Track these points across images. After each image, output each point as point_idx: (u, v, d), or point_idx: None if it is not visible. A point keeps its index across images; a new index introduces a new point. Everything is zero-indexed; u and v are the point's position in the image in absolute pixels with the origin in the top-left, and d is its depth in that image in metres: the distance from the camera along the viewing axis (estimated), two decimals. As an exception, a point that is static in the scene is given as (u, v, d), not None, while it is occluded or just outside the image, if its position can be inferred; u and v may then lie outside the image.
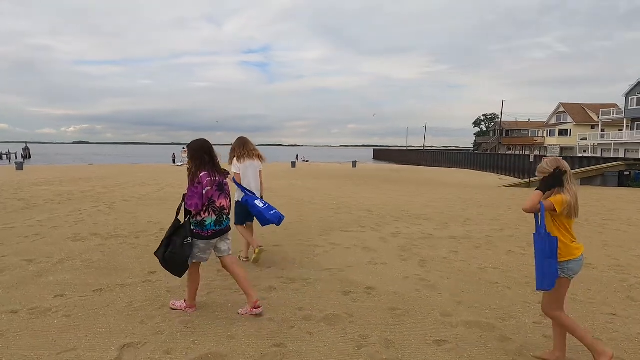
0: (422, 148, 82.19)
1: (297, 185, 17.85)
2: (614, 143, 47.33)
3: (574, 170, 21.40)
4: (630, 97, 46.89)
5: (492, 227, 8.43)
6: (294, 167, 39.64)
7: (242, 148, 5.98)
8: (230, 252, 4.03)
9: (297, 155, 58.34)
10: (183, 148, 43.35)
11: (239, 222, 5.87)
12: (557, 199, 2.90)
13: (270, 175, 25.46)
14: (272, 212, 5.48)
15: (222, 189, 3.87)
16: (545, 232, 2.93)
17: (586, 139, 51.35)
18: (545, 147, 56.42)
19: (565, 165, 3.01)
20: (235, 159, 5.88)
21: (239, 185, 5.77)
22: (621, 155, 44.14)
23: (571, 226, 3.00)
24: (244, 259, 5.81)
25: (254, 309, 3.84)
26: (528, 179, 21.88)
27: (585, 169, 22.03)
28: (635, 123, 46.89)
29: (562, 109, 58.97)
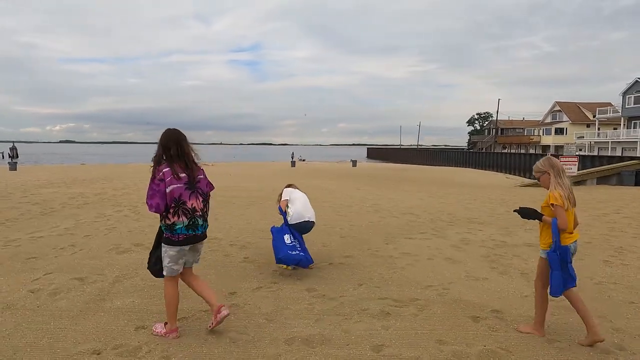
0: (417, 147, 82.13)
1: (312, 186, 17.15)
2: (611, 141, 47.56)
3: (590, 170, 20.79)
4: (627, 96, 47.18)
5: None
6: (294, 166, 38.85)
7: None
8: (197, 263, 3.56)
9: (293, 154, 57.53)
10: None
11: None
12: (554, 195, 3.24)
13: (275, 174, 24.77)
14: (292, 252, 4.87)
15: (193, 187, 3.26)
16: (561, 245, 3.25)
17: (583, 137, 51.54)
18: (546, 146, 56.62)
19: (557, 162, 3.40)
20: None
21: (282, 212, 5.32)
22: (618, 154, 44.37)
23: (571, 217, 3.31)
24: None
25: (218, 315, 3.33)
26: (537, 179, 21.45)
27: (601, 167, 21.74)
28: (633, 121, 47.21)
29: (557, 108, 59.22)
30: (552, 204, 3.24)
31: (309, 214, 5.33)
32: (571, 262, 3.27)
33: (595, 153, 46.85)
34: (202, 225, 3.33)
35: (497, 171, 40.65)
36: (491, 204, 12.19)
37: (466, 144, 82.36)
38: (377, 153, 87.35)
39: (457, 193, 15.46)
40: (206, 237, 3.47)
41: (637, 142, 44.71)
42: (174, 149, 3.23)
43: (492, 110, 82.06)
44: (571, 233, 3.31)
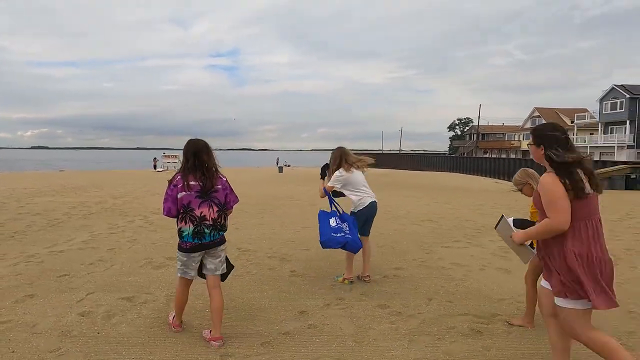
0: (399, 152, 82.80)
1: (312, 193, 16.88)
2: (589, 146, 48.96)
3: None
4: (604, 102, 48.71)
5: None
6: (282, 172, 38.45)
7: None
8: (217, 273, 3.49)
9: (278, 160, 57.06)
10: (163, 153, 41.41)
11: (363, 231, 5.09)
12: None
13: (265, 180, 24.41)
14: (337, 235, 4.65)
15: (207, 196, 3.32)
16: None
17: (562, 142, 52.88)
18: (526, 151, 57.78)
19: (532, 171, 3.69)
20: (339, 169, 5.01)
21: (328, 195, 4.99)
22: (596, 158, 45.72)
23: None
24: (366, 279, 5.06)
25: (213, 341, 3.37)
26: (538, 183, 21.75)
27: (591, 172, 22.18)
28: (609, 127, 48.75)
29: (537, 114, 60.72)
30: (533, 212, 3.55)
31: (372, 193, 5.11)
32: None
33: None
34: (209, 234, 3.34)
35: (481, 176, 41.19)
36: (501, 209, 12.18)
37: (447, 149, 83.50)
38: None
39: (459, 198, 15.44)
40: (220, 244, 3.45)
41: (614, 147, 46.22)
42: (191, 160, 3.34)
43: (471, 116, 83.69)
44: None
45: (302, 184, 21.13)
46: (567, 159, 2.51)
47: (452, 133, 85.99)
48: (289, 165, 54.48)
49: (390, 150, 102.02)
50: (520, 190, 3.75)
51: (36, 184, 18.59)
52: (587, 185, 2.52)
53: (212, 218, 3.34)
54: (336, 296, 4.55)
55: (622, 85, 46.83)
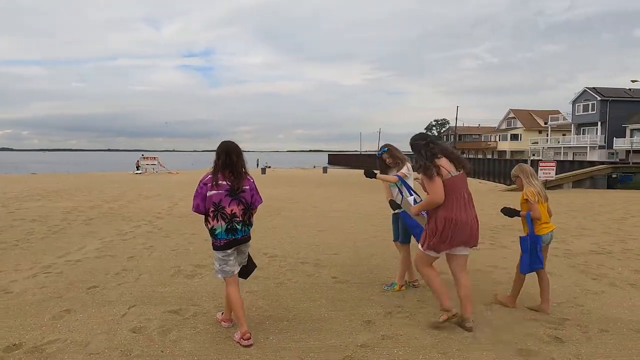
0: (376, 152, 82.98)
1: (307, 194, 16.67)
2: (563, 147, 50.52)
3: (566, 174, 21.64)
4: (576, 104, 50.37)
5: (610, 238, 7.93)
6: (264, 173, 37.98)
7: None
8: (244, 265, 3.67)
9: (259, 161, 56.48)
10: (142, 155, 40.21)
11: (406, 239, 4.81)
12: (528, 192, 3.99)
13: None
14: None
15: (235, 195, 3.45)
16: (534, 234, 4.01)
17: (537, 143, 54.43)
18: (502, 151, 59.14)
19: (526, 167, 4.18)
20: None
21: (404, 183, 4.64)
22: (570, 158, 47.18)
23: (545, 209, 4.04)
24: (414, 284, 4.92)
25: (243, 339, 3.39)
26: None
27: (575, 172, 22.80)
28: (581, 128, 50.43)
29: (512, 115, 62.24)
30: (526, 199, 3.98)
31: None
32: (541, 249, 4.01)
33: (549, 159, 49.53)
34: (240, 229, 3.48)
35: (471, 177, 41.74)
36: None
37: (376, 152, 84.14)
38: (339, 159, 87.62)
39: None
40: (249, 239, 3.61)
41: (586, 147, 47.84)
42: (222, 159, 3.45)
43: (446, 117, 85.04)
44: (547, 223, 4.04)
45: (292, 186, 20.88)
46: (431, 153, 3.62)
47: (429, 134, 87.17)
48: (269, 167, 53.95)
49: (367, 151, 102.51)
50: (514, 182, 4.24)
51: (15, 188, 17.64)
52: (452, 168, 3.59)
53: (240, 215, 3.47)
54: (393, 304, 4.37)
55: (593, 88, 48.54)
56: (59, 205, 11.91)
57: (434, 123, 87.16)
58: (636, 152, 40.95)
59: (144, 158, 38.72)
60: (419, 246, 3.77)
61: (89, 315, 3.97)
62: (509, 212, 4.17)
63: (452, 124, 66.14)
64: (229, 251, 3.48)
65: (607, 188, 21.72)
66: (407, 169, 4.70)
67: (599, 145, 47.19)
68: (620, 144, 44.58)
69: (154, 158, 39.03)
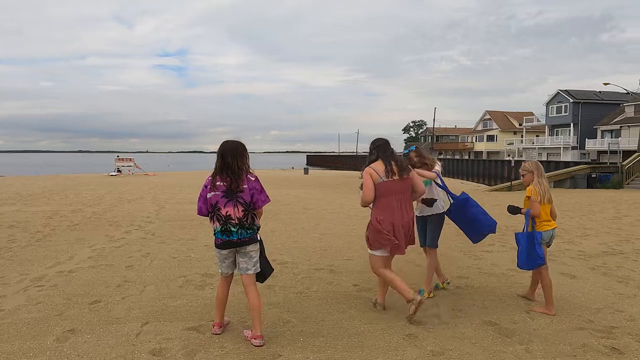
0: (355, 153, 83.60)
1: (301, 197, 16.32)
2: (538, 147, 51.73)
3: (548, 174, 22.29)
4: (550, 106, 51.65)
5: (616, 239, 7.90)
6: (245, 174, 37.31)
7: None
8: (250, 272, 3.46)
9: (237, 162, 55.54)
10: (117, 156, 38.91)
11: (432, 242, 4.63)
12: (532, 190, 4.07)
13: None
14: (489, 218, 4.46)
15: (232, 196, 3.38)
16: (533, 230, 4.08)
17: (512, 143, 55.58)
18: (479, 152, 60.12)
19: (540, 166, 4.20)
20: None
21: (444, 187, 4.50)
22: (544, 159, 48.37)
23: (547, 210, 4.11)
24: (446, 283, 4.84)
25: (254, 339, 3.38)
26: (509, 183, 22.46)
27: (557, 172, 23.22)
28: (555, 129, 51.76)
29: (487, 116, 63.40)
30: (528, 197, 4.08)
31: None
32: (540, 245, 4.02)
33: (523, 158, 50.67)
34: (236, 231, 3.38)
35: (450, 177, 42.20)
36: (496, 209, 12.22)
37: (403, 151, 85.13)
38: (317, 160, 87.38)
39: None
40: (250, 243, 3.44)
41: (560, 147, 49.12)
42: (219, 162, 3.43)
43: (422, 118, 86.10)
44: (549, 221, 4.12)
45: (277, 188, 20.47)
46: (370, 159, 3.96)
47: (406, 135, 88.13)
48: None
49: (342, 153, 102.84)
50: (523, 176, 4.27)
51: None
52: (384, 174, 3.81)
53: (237, 217, 3.37)
54: (429, 313, 4.08)
55: (566, 90, 49.90)
56: (37, 209, 11.16)
57: (411, 124, 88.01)
58: (610, 152, 42.34)
59: (119, 159, 37.45)
60: (370, 250, 3.98)
61: (98, 335, 3.53)
62: (512, 210, 4.29)
63: (429, 125, 66.97)
64: (224, 252, 3.45)
65: (587, 187, 22.22)
66: (439, 167, 4.66)
67: (572, 146, 48.53)
68: (591, 144, 45.94)
69: (130, 159, 37.83)
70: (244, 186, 3.37)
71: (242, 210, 3.38)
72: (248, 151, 3.54)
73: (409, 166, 4.07)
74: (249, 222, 3.40)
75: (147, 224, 9.01)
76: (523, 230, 4.15)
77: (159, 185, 20.74)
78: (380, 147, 3.96)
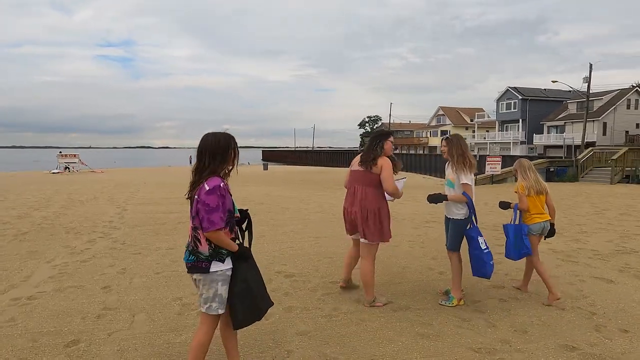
0: (312, 149, 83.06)
1: (272, 195, 15.41)
2: (489, 142, 53.53)
3: (509, 168, 22.76)
4: (500, 103, 53.57)
5: (617, 235, 7.73)
6: (201, 171, 35.60)
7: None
8: (202, 310, 2.65)
9: (191, 158, 53.37)
10: (60, 152, 35.92)
11: (453, 245, 4.25)
12: (519, 185, 4.29)
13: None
14: (492, 262, 4.09)
15: (191, 206, 2.61)
16: (521, 223, 4.28)
17: (466, 139, 57.20)
18: (433, 147, 61.37)
19: (524, 163, 4.43)
20: (470, 165, 4.13)
21: (470, 203, 4.08)
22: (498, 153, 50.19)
23: (541, 202, 4.32)
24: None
25: None
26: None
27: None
28: (505, 125, 53.77)
29: (441, 112, 64.93)
30: (516, 191, 4.30)
31: None
32: (527, 237, 4.17)
33: (476, 152, 52.32)
34: (186, 250, 2.66)
35: (401, 171, 42.48)
36: (482, 207, 12.02)
37: (358, 146, 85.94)
38: (273, 155, 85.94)
39: (420, 197, 15.12)
40: (193, 271, 2.61)
41: (510, 142, 51.11)
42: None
43: (376, 113, 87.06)
44: (540, 214, 4.27)
45: (242, 185, 19.37)
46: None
47: (362, 130, 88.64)
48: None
49: (298, 148, 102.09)
50: (515, 174, 4.52)
51: None
52: (355, 164, 4.13)
53: (190, 234, 2.61)
54: (483, 324, 3.46)
55: (515, 87, 51.92)
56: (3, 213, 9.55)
57: (366, 119, 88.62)
58: (555, 147, 44.50)
59: (62, 156, 34.53)
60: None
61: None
62: (503, 205, 4.42)
63: (384, 120, 67.61)
64: (192, 277, 2.67)
65: (546, 181, 22.90)
66: (465, 176, 4.23)
67: (521, 141, 50.66)
68: (538, 140, 48.16)
69: (74, 155, 35.01)
70: (196, 196, 2.54)
71: (192, 227, 2.58)
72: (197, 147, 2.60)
73: (375, 158, 3.98)
74: (191, 245, 2.58)
75: (113, 230, 7.83)
76: (511, 222, 4.33)
77: (111, 184, 19.02)
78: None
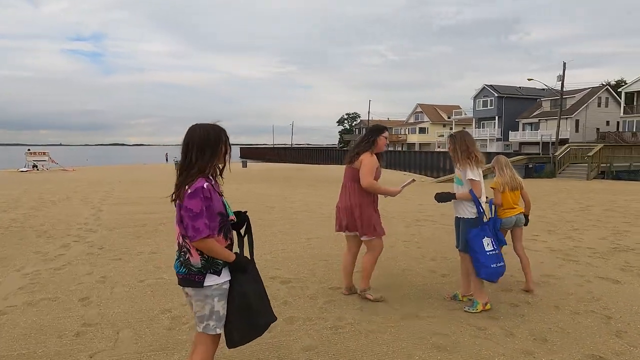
0: (291, 146, 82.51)
1: (254, 193, 14.99)
2: (466, 139, 54.28)
3: (488, 165, 23.41)
4: (477, 100, 54.34)
5: (608, 232, 7.69)
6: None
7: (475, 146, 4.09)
8: (199, 329, 2.28)
9: (167, 155, 52.11)
10: (28, 150, 34.42)
11: (461, 247, 4.08)
12: (495, 182, 4.41)
13: (172, 179, 21.44)
14: (499, 265, 3.89)
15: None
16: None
17: (443, 135, 57.83)
18: (412, 144, 61.82)
19: (500, 160, 4.55)
20: (476, 160, 3.91)
21: (476, 200, 3.88)
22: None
23: (516, 196, 4.52)
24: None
25: None
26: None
27: (498, 163, 23.98)
28: (481, 122, 54.58)
29: (419, 109, 65.41)
30: (493, 187, 4.37)
31: None
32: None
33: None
34: (176, 260, 2.31)
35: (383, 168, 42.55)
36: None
37: (337, 143, 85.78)
38: (251, 153, 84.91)
39: (411, 194, 15.00)
40: (184, 284, 2.26)
41: (486, 139, 51.89)
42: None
43: (355, 110, 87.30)
44: (512, 209, 4.46)
45: (223, 183, 18.85)
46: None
47: (341, 127, 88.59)
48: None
49: (276, 145, 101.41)
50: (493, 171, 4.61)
51: None
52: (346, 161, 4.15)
53: (177, 242, 2.30)
54: (512, 332, 3.22)
55: (491, 85, 52.73)
56: None
57: (345, 116, 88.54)
58: (530, 144, 45.36)
59: (31, 153, 33.09)
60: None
61: None
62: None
63: (363, 117, 67.67)
64: (184, 289, 2.32)
65: (525, 177, 23.23)
66: (471, 171, 4.04)
67: (497, 138, 51.52)
68: (514, 136, 49.08)
69: (44, 153, 33.60)
70: (178, 201, 2.23)
71: (180, 235, 2.26)
72: (175, 144, 2.26)
73: (359, 153, 4.00)
74: (182, 256, 2.26)
75: (88, 234, 7.31)
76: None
77: (84, 182, 18.20)
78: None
